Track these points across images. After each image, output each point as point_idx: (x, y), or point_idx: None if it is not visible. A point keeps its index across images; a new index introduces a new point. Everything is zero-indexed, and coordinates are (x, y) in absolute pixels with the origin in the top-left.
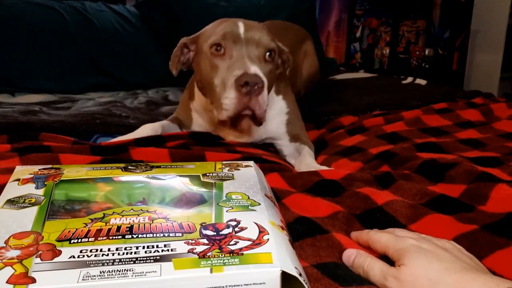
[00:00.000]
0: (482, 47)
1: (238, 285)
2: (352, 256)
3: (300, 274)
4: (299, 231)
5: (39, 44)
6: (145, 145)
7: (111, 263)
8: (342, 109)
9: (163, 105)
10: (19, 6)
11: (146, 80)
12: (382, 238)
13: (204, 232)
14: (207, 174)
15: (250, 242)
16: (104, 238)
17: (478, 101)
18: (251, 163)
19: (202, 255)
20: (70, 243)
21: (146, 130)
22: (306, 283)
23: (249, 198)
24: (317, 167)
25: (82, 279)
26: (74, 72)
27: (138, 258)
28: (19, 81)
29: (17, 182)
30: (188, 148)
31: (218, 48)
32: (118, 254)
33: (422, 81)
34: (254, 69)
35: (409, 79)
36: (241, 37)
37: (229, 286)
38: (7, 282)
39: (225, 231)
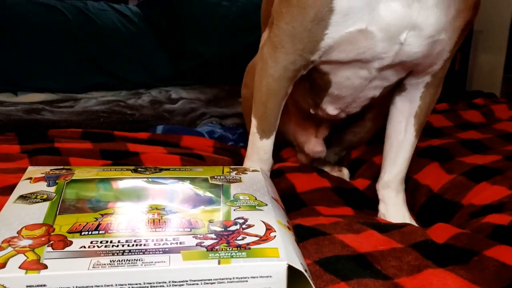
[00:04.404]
0: (484, 48)
1: (245, 277)
2: None
3: (306, 270)
4: (303, 234)
5: (41, 43)
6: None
7: (121, 253)
8: None
9: (166, 103)
10: (22, 6)
11: (148, 79)
12: None
13: (212, 228)
14: (215, 177)
15: (257, 238)
16: (114, 231)
17: (479, 101)
18: (259, 168)
19: (210, 248)
20: (81, 234)
21: None
22: (311, 279)
23: (256, 199)
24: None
25: (93, 267)
26: (76, 72)
27: (148, 250)
28: (22, 80)
29: (29, 180)
30: (200, 156)
31: None
32: (128, 245)
33: None
34: None
35: None
36: None
37: (236, 278)
38: (19, 268)
39: (233, 228)
